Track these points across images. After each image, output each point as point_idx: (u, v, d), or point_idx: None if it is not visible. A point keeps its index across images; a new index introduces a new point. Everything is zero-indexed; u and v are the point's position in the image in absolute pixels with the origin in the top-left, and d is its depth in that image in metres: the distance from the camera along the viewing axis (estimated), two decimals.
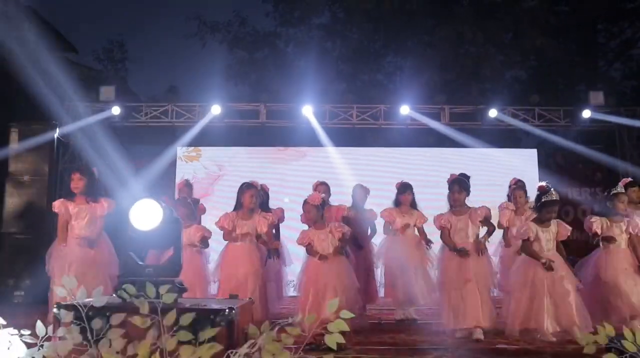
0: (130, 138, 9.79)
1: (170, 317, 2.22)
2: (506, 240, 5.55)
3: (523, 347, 4.04)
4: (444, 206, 5.13)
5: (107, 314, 2.25)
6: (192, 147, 9.62)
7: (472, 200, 5.70)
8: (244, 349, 2.14)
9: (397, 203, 5.95)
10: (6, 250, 7.03)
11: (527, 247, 4.52)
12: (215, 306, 2.30)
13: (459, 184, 4.91)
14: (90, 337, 2.20)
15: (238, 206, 5.05)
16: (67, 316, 2.23)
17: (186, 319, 2.21)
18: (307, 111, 9.37)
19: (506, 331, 4.41)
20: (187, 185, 6.54)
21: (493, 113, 9.42)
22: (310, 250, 4.63)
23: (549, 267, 4.32)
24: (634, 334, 2.35)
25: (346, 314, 2.34)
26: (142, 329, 2.24)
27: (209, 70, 17.41)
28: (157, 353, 2.18)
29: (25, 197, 7.20)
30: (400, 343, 4.19)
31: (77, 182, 4.80)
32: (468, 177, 5.43)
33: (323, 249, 4.54)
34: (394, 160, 9.71)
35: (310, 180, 9.07)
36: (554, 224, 4.56)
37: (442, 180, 5.33)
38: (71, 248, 4.71)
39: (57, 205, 4.87)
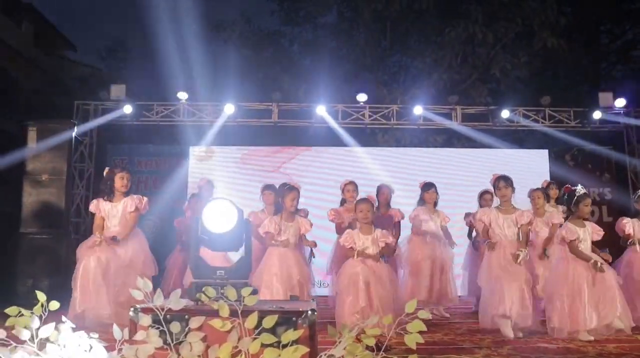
0: (140, 137, 9.77)
1: (252, 319, 2.21)
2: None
3: (564, 345, 4.05)
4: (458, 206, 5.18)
5: (186, 317, 2.23)
6: (205, 147, 9.59)
7: None
8: (339, 350, 2.14)
9: (422, 201, 5.96)
10: (24, 250, 6.96)
11: (575, 248, 4.52)
12: (295, 308, 2.29)
13: (505, 180, 4.87)
14: (170, 341, 2.19)
15: (279, 209, 5.03)
16: (144, 319, 2.21)
17: (269, 321, 2.20)
18: (321, 111, 9.38)
19: (550, 331, 4.42)
20: (209, 182, 6.53)
21: (505, 114, 9.46)
22: (349, 252, 4.59)
23: (600, 269, 4.34)
24: None
25: (423, 314, 2.34)
26: (220, 332, 2.23)
27: (215, 70, 17.32)
28: (240, 357, 2.17)
29: (43, 196, 7.13)
30: (440, 342, 4.19)
31: (124, 182, 4.81)
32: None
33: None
34: (405, 159, 9.75)
35: (322, 180, 9.28)
36: (588, 225, 4.59)
37: (454, 180, 5.40)
38: (103, 249, 4.67)
39: (94, 204, 4.89)
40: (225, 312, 2.23)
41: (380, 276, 4.42)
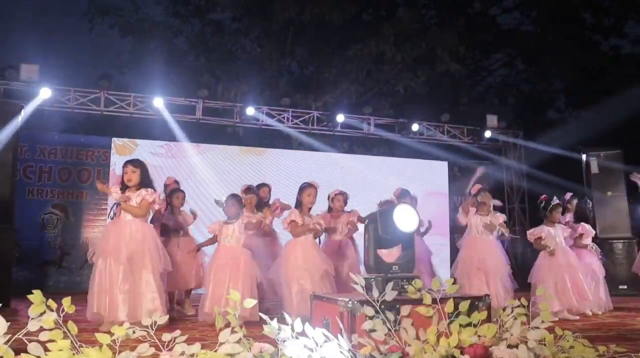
0: (57, 125, 9.06)
1: (450, 305, 2.58)
2: None
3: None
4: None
5: (397, 306, 2.53)
6: (128, 139, 9.20)
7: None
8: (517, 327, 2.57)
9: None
10: None
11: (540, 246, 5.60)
12: (475, 294, 2.70)
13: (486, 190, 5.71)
14: (390, 327, 2.46)
15: (298, 204, 5.21)
16: (368, 310, 2.45)
17: (464, 306, 2.59)
18: (250, 111, 9.56)
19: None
20: (176, 181, 6.44)
21: (415, 127, 10.50)
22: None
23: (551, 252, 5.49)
24: None
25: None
26: (424, 317, 2.57)
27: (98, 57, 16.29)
28: (443, 337, 2.53)
29: None
30: None
31: (130, 175, 4.57)
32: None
33: None
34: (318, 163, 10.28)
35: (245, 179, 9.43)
36: (558, 226, 5.62)
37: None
38: (123, 237, 4.45)
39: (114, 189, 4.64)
40: (428, 300, 2.57)
41: None
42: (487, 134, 10.93)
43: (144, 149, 9.17)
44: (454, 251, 8.98)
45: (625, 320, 5.28)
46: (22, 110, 6.65)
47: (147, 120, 9.49)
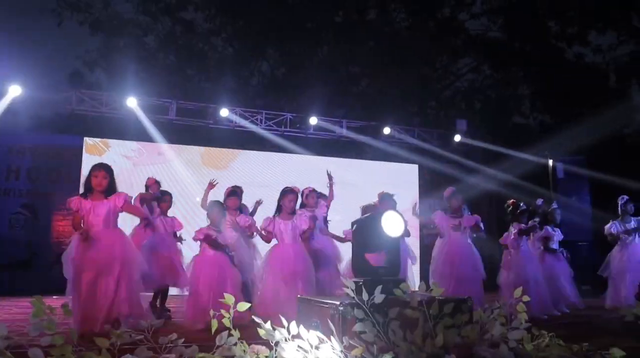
0: (25, 123, 8.88)
1: (435, 307, 2.69)
2: None
3: None
4: None
5: (385, 309, 2.62)
6: (100, 139, 9.09)
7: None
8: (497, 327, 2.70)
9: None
10: None
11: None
12: (458, 298, 2.82)
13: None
14: (378, 329, 2.56)
15: (279, 208, 5.26)
16: (359, 313, 2.54)
17: (448, 308, 2.70)
18: (224, 113, 9.57)
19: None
20: (157, 182, 6.40)
21: (387, 130, 10.68)
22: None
23: None
24: None
25: None
26: (411, 318, 2.67)
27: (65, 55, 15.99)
28: (429, 338, 2.64)
29: None
30: None
31: (101, 180, 4.52)
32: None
33: None
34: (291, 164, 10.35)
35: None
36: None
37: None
38: (91, 247, 4.41)
39: (75, 202, 4.53)
40: (415, 302, 2.67)
41: None
42: (457, 138, 11.19)
43: (116, 149, 9.08)
44: (424, 251, 9.17)
45: (590, 319, 5.53)
46: None
47: (119, 120, 9.39)
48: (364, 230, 2.93)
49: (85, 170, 8.76)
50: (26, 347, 2.00)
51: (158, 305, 5.69)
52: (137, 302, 4.36)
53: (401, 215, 2.95)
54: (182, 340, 2.30)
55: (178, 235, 6.08)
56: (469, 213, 6.02)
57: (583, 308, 6.36)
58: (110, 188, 4.59)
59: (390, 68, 11.95)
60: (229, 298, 2.41)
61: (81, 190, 5.07)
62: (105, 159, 8.96)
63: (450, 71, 17.92)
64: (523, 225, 6.03)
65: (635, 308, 3.65)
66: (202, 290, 4.73)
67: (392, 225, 2.88)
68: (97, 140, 9.08)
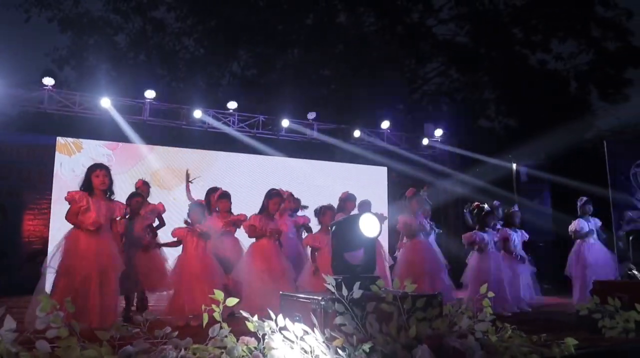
0: None
1: (408, 302, 2.92)
2: None
3: None
4: None
5: (363, 304, 2.84)
6: (73, 139, 9.07)
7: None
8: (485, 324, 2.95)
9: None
10: None
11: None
12: (429, 293, 3.05)
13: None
14: (357, 322, 2.77)
15: (263, 209, 5.47)
16: (339, 307, 2.75)
17: (421, 303, 2.93)
18: (198, 114, 9.67)
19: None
20: (145, 184, 6.49)
21: (357, 133, 10.92)
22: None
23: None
24: None
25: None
26: (387, 312, 2.89)
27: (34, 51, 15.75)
28: (403, 330, 2.87)
29: None
30: None
31: (103, 179, 4.63)
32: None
33: None
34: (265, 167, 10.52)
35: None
36: (491, 232, 6.13)
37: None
38: (87, 241, 4.52)
39: (78, 195, 4.59)
40: (390, 297, 2.89)
41: None
42: (425, 141, 11.52)
43: (89, 149, 9.08)
44: (392, 251, 9.44)
45: (550, 315, 5.87)
46: None
47: (91, 120, 9.38)
48: (343, 231, 3.14)
49: (58, 170, 8.84)
50: (33, 340, 2.15)
51: (136, 305, 5.78)
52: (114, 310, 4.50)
53: (378, 217, 3.17)
54: (176, 333, 2.46)
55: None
56: (429, 206, 6.37)
57: (543, 305, 6.72)
58: (111, 188, 4.73)
59: (360, 71, 12.21)
60: (219, 294, 2.58)
61: (57, 189, 5.16)
62: (78, 159, 8.99)
63: (418, 75, 18.35)
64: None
65: (588, 303, 3.97)
66: (185, 287, 4.87)
67: (369, 226, 3.10)
68: (70, 139, 9.05)
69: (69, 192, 4.62)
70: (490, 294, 3.29)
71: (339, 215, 6.83)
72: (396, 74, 12.38)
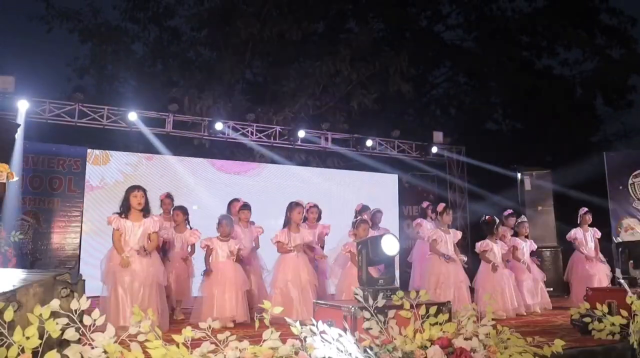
0: (30, 135, 9.35)
1: (423, 309, 3.46)
2: None
3: None
4: None
5: (385, 311, 3.38)
6: (101, 151, 9.64)
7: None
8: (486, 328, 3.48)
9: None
10: None
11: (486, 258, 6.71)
12: (440, 301, 3.59)
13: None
14: (381, 326, 3.31)
15: (287, 221, 6.00)
16: (367, 313, 3.30)
17: (433, 310, 3.47)
18: (219, 126, 10.22)
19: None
20: (169, 196, 7.03)
21: (369, 142, 11.44)
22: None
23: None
24: None
25: None
26: (404, 318, 3.43)
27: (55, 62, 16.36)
28: (418, 333, 3.41)
29: None
30: None
31: (140, 199, 5.18)
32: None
33: None
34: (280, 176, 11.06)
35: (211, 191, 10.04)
36: (499, 243, 6.67)
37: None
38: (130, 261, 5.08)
39: (115, 220, 5.16)
40: (407, 305, 3.44)
41: None
42: (434, 149, 12.02)
43: (117, 161, 9.65)
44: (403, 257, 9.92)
45: (550, 318, 6.39)
46: (19, 129, 7.06)
47: (119, 132, 9.94)
48: (368, 248, 3.69)
49: (91, 181, 9.40)
50: (127, 342, 2.72)
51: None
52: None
53: (397, 238, 3.71)
54: (235, 336, 3.01)
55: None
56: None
57: (547, 309, 7.22)
58: (147, 207, 5.29)
59: (372, 82, 12.73)
60: (267, 304, 3.13)
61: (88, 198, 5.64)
62: (107, 170, 9.57)
63: (427, 80, 18.84)
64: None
65: (579, 308, 4.50)
66: (218, 293, 5.44)
67: (389, 245, 3.65)
68: (98, 151, 9.60)
69: (108, 218, 5.22)
70: (493, 301, 3.82)
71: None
72: (408, 86, 12.88)
